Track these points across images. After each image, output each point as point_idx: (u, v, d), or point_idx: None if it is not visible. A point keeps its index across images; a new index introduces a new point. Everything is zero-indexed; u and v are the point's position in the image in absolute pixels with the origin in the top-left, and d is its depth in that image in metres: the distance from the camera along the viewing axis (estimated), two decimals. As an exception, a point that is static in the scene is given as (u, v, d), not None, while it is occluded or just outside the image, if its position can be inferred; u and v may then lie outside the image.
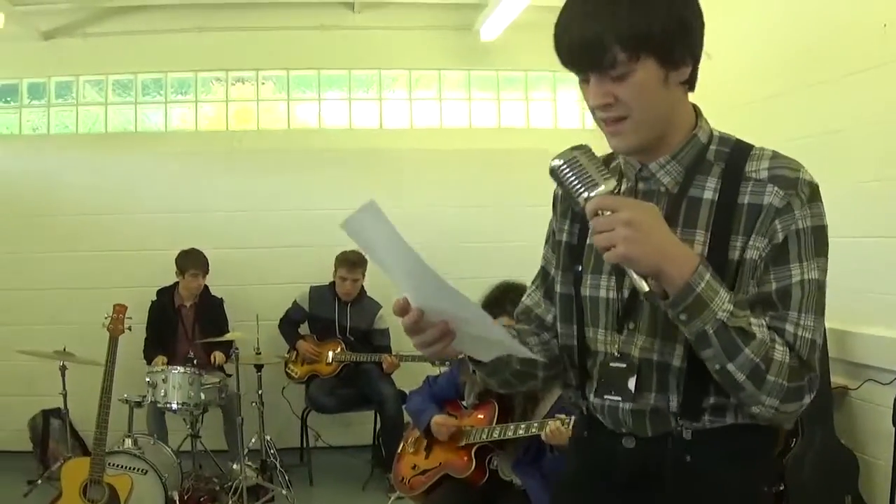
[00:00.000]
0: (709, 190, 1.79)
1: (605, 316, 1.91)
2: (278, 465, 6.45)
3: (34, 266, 7.48)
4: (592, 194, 1.67)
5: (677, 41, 1.70)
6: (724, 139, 1.86)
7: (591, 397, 1.95)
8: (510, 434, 4.03)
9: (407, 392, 6.13)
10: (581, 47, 1.68)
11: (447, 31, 7.90)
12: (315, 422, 7.29)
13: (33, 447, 7.14)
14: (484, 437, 4.14)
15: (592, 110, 1.78)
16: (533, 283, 2.18)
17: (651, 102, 1.72)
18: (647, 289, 1.64)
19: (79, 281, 7.46)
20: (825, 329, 1.82)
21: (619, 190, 1.80)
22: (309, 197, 7.69)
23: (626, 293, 1.86)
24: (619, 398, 1.87)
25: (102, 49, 7.66)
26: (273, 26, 7.73)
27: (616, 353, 1.88)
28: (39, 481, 6.32)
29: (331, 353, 6.95)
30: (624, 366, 1.86)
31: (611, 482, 1.93)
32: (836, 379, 5.00)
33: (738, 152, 1.81)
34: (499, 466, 4.19)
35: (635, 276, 1.64)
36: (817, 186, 1.76)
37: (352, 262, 6.90)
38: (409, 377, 6.50)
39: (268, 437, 6.50)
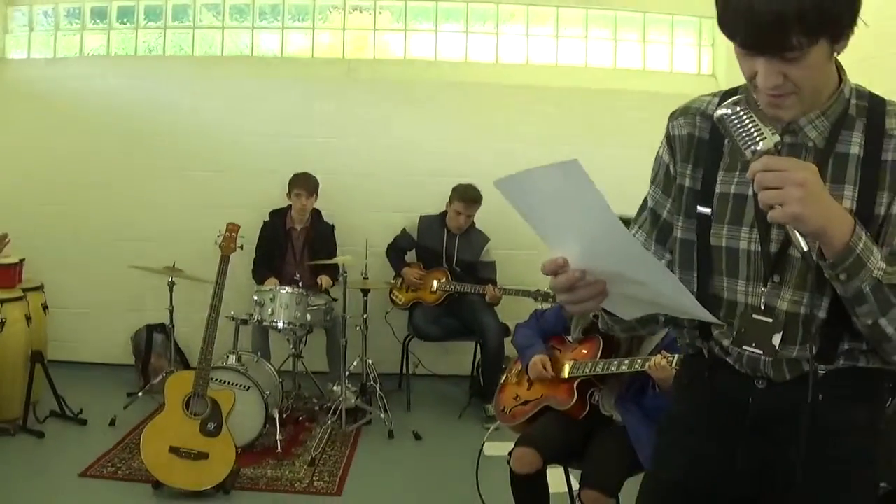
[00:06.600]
0: (854, 145, 1.83)
1: (746, 268, 1.92)
2: (378, 389, 6.55)
3: (147, 184, 7.63)
4: (759, 148, 1.67)
5: (849, 17, 1.67)
6: (860, 92, 1.88)
7: (724, 341, 1.98)
8: (613, 369, 4.02)
9: (509, 325, 6.15)
10: (763, 29, 1.63)
11: (567, -33, 7.76)
12: (416, 349, 7.36)
13: (135, 361, 7.40)
14: (587, 371, 4.13)
15: (752, 82, 1.76)
16: (636, 223, 2.16)
17: (819, 79, 1.75)
18: (806, 248, 1.68)
19: (189, 199, 7.62)
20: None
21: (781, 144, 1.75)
22: (422, 128, 7.71)
23: (773, 246, 1.88)
24: (761, 352, 1.91)
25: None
26: (392, -45, 7.66)
27: (760, 306, 1.91)
28: (140, 394, 6.56)
29: (436, 282, 7.01)
30: (769, 320, 1.90)
31: (737, 423, 1.97)
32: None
33: (875, 106, 1.85)
34: (600, 401, 4.18)
35: (798, 234, 1.67)
36: None
37: (471, 199, 6.92)
38: (512, 310, 6.55)
39: (369, 361, 6.63)
